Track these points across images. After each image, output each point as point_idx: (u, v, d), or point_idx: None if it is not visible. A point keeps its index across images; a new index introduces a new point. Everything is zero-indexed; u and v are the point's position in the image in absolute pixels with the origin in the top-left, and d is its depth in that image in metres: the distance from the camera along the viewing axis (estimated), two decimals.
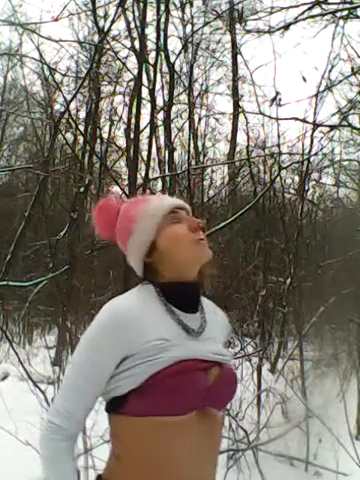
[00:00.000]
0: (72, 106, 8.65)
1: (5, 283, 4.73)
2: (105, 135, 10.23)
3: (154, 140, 8.69)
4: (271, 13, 4.48)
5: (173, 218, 1.20)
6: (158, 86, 8.38)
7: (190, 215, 1.26)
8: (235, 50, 9.45)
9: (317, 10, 4.39)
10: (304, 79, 4.09)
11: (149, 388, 1.07)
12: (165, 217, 1.20)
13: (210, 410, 1.14)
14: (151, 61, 7.40)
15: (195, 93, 9.21)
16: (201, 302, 1.25)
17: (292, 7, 4.39)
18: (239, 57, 9.52)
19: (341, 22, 4.34)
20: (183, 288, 1.19)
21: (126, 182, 8.15)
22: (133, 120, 6.77)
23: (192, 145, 9.18)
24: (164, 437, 1.07)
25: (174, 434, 1.08)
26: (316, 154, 5.98)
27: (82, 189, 7.20)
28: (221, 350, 1.21)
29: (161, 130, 9.24)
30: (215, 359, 1.16)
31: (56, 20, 4.64)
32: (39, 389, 3.18)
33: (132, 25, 7.87)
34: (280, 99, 3.94)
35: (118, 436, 1.13)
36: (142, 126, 6.34)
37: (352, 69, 4.44)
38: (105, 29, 6.06)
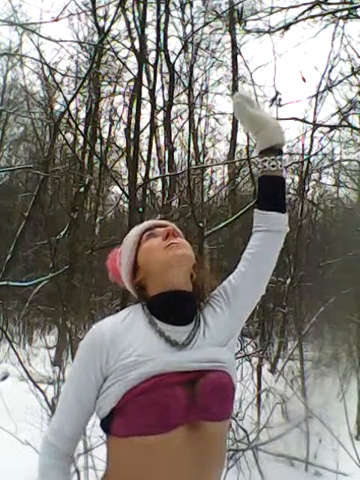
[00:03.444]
0: (72, 106, 8.65)
1: (5, 283, 4.72)
2: (105, 135, 10.23)
3: (154, 140, 8.68)
4: (271, 13, 4.47)
5: (149, 235, 1.24)
6: (158, 86, 8.34)
7: (175, 230, 1.25)
8: (235, 50, 9.43)
9: (317, 10, 4.37)
10: (304, 79, 4.08)
11: (125, 407, 1.05)
12: (142, 237, 1.24)
13: (202, 424, 1.07)
14: (151, 61, 7.41)
15: (195, 93, 9.20)
16: (198, 314, 1.20)
17: (292, 7, 4.38)
18: (239, 57, 9.48)
19: (341, 22, 4.33)
20: (169, 297, 1.17)
21: (126, 182, 8.16)
22: (133, 120, 6.77)
23: (192, 145, 9.15)
24: (148, 458, 1.04)
25: (159, 454, 1.03)
26: (316, 154, 5.97)
27: (82, 189, 7.21)
28: (211, 356, 1.13)
29: (161, 130, 9.24)
30: (200, 368, 1.09)
31: (56, 20, 4.62)
32: (39, 389, 3.18)
33: (132, 25, 7.86)
34: (280, 99, 3.92)
35: (108, 455, 1.13)
36: (142, 126, 6.33)
37: (352, 69, 4.43)
38: (105, 29, 6.05)
